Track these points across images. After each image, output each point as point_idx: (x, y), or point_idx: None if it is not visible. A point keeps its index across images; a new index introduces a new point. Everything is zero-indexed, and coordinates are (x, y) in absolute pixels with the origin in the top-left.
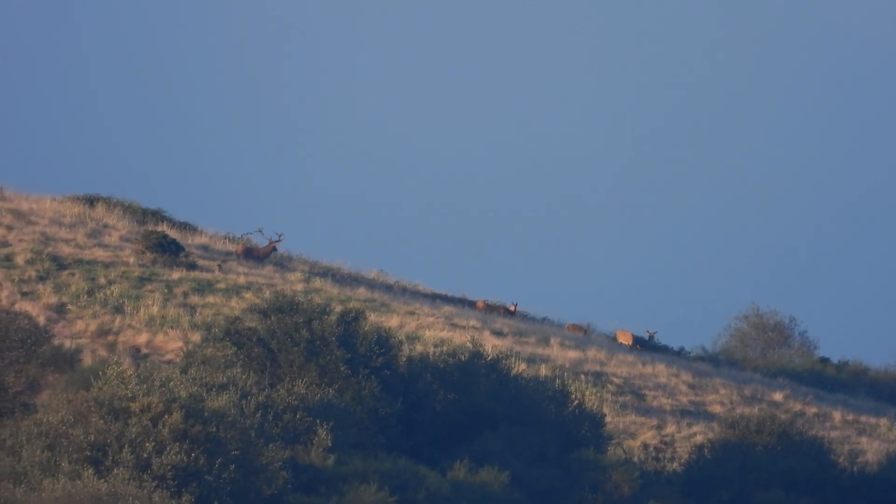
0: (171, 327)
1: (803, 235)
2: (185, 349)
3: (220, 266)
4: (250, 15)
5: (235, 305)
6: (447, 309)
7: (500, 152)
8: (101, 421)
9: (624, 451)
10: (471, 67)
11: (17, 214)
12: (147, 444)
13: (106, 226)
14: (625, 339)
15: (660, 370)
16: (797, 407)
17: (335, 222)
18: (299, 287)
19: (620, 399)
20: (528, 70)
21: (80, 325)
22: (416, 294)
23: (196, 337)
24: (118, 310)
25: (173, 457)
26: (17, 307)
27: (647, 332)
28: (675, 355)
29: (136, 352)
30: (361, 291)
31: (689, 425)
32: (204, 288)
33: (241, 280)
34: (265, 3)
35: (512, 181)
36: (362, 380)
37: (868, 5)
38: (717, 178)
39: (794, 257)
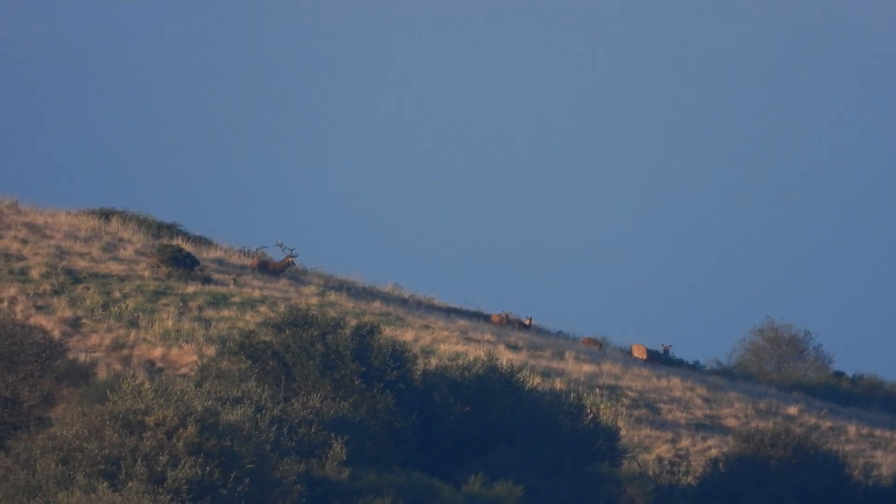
0: (186, 341)
1: (819, 249)
2: (199, 363)
3: (235, 280)
4: (266, 28)
5: (250, 319)
6: (462, 323)
7: (517, 165)
8: (116, 435)
9: (639, 464)
10: (487, 80)
11: (33, 228)
12: (162, 458)
13: (121, 239)
14: (640, 353)
15: (675, 384)
16: (812, 421)
17: (350, 236)
18: (314, 301)
19: (635, 413)
20: (546, 83)
21: (94, 338)
22: (431, 308)
23: (211, 351)
24: (133, 323)
25: (188, 470)
26: (32, 321)
27: (662, 345)
28: (690, 369)
29: (150, 366)
30: (376, 305)
31: (704, 439)
32: (219, 302)
33: (256, 294)
34: (286, 19)
35: (528, 195)
36: (377, 393)
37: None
38: (734, 191)
39: (810, 271)
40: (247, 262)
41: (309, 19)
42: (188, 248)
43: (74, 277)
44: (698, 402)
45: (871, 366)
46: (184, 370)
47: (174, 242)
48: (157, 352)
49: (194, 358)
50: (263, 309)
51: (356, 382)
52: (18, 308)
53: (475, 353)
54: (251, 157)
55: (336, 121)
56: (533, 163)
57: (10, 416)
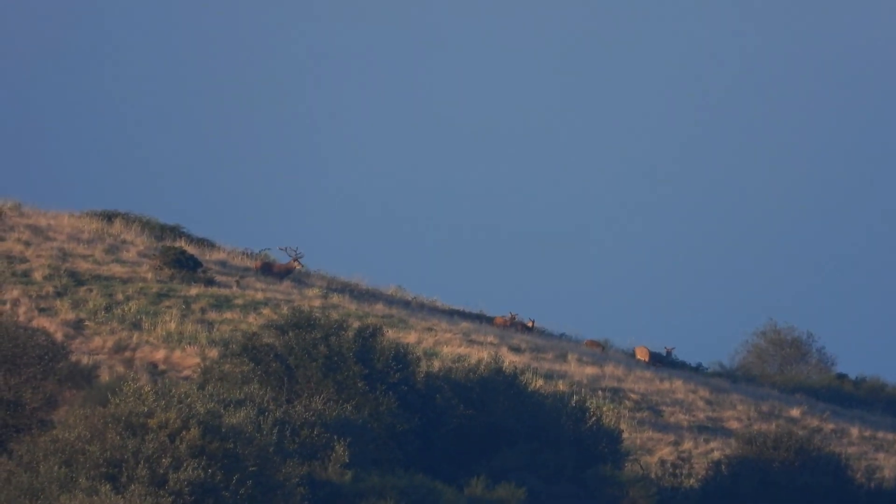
0: (189, 343)
1: (822, 251)
2: (202, 365)
3: (237, 282)
4: (268, 29)
5: (253, 321)
6: (465, 325)
7: (520, 168)
8: (118, 437)
9: (641, 467)
10: (489, 85)
11: (35, 230)
12: (164, 460)
13: (124, 241)
14: (642, 355)
15: (677, 386)
16: (814, 423)
17: (353, 238)
18: (317, 303)
19: (638, 415)
20: (547, 86)
21: (97, 341)
22: (433, 310)
23: (213, 353)
24: (136, 326)
25: (190, 473)
26: (34, 323)
27: (665, 348)
28: (693, 371)
29: (153, 368)
30: (379, 307)
31: (707, 441)
32: (222, 304)
33: (259, 296)
34: (287, 19)
35: (530, 197)
36: (380, 396)
37: None
38: (736, 193)
39: (812, 273)
40: (250, 264)
41: (309, 20)
42: (191, 250)
43: (77, 279)
44: (701, 404)
45: (874, 368)
46: (186, 372)
47: (177, 244)
48: (160, 354)
49: (197, 360)
50: (266, 311)
51: (359, 385)
52: (21, 310)
53: (478, 355)
54: (254, 159)
55: (338, 122)
56: (536, 165)
57: (12, 418)
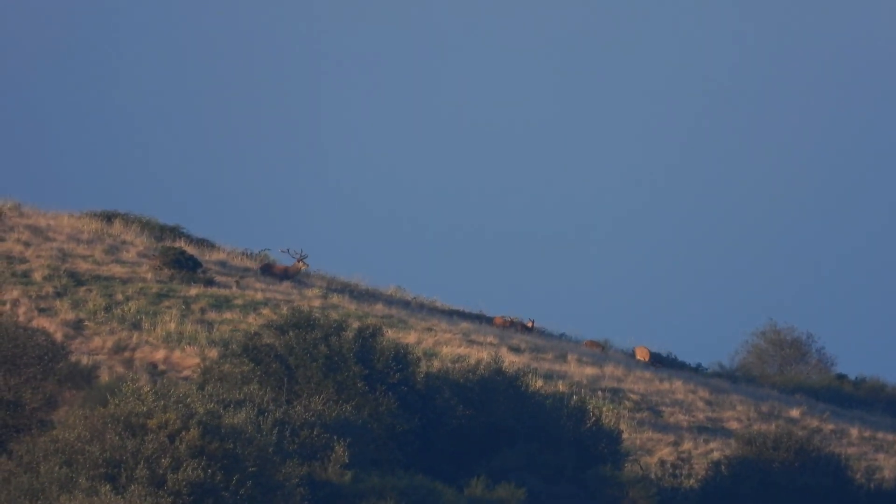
0: (189, 343)
1: (821, 252)
2: (202, 365)
3: (237, 282)
4: (269, 29)
5: (253, 321)
6: (465, 325)
7: (520, 168)
8: (118, 437)
9: (641, 467)
10: (489, 85)
11: (35, 230)
12: (163, 461)
13: (123, 242)
14: (642, 355)
15: (677, 386)
16: (814, 423)
17: (353, 238)
18: (317, 303)
19: (637, 415)
20: (547, 86)
21: (97, 341)
22: (433, 310)
23: (213, 353)
24: (135, 326)
25: (190, 473)
26: (34, 323)
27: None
28: (693, 372)
29: (153, 368)
30: (379, 307)
31: (707, 442)
32: (221, 304)
33: (259, 296)
34: (287, 20)
35: (531, 197)
36: (380, 396)
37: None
38: (736, 193)
39: (812, 273)
40: (249, 264)
41: (308, 19)
42: (191, 250)
43: (77, 280)
44: (700, 404)
45: (874, 368)
46: (186, 373)
47: (177, 245)
48: (160, 354)
49: (197, 360)
50: (266, 311)
51: (359, 385)
52: (21, 310)
53: (478, 355)
54: (254, 159)
55: (337, 122)
56: (536, 165)
57: (12, 418)
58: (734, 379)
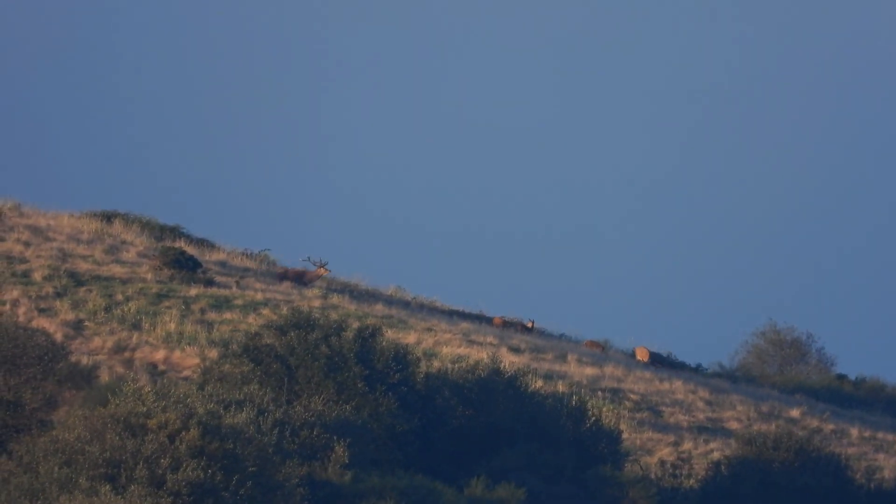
0: (189, 344)
1: (821, 251)
2: (202, 366)
3: (237, 282)
4: (268, 29)
5: (253, 322)
6: (464, 325)
7: (520, 168)
8: (117, 437)
9: (641, 467)
10: (490, 85)
11: (35, 230)
12: (163, 461)
13: (123, 242)
14: (642, 355)
15: (677, 387)
16: (814, 423)
17: (353, 238)
18: (317, 303)
19: (637, 416)
20: (547, 86)
21: (97, 341)
22: (433, 310)
23: (213, 353)
24: (135, 326)
25: (190, 473)
26: (34, 324)
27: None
28: (693, 372)
29: (153, 368)
30: (379, 308)
31: (707, 442)
32: (221, 304)
33: (259, 296)
34: (287, 20)
35: (530, 197)
36: (380, 396)
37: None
38: (735, 193)
39: (812, 273)
40: (249, 264)
41: (308, 20)
42: (191, 250)
43: (77, 280)
44: (700, 404)
45: (874, 368)
46: (186, 373)
47: (177, 245)
48: (160, 354)
49: (197, 361)
50: (266, 311)
51: (359, 385)
52: (21, 311)
53: (477, 355)
54: (254, 159)
55: (337, 122)
56: (536, 165)
57: (12, 418)
58: (734, 379)
